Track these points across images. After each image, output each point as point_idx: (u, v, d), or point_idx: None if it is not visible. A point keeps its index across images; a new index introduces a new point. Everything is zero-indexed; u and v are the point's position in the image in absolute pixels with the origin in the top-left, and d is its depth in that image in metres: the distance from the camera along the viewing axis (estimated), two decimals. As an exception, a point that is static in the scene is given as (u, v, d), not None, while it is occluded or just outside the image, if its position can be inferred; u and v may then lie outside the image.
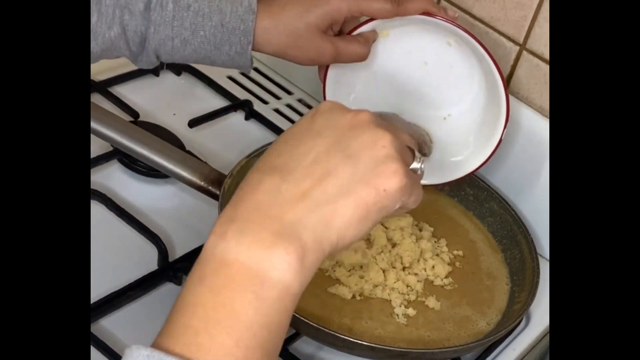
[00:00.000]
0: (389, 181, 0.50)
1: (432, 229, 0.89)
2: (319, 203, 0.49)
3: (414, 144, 0.57)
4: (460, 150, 0.88)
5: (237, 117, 1.04)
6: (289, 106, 1.08)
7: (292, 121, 1.05)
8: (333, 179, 0.50)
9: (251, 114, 1.03)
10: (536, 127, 0.89)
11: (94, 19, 0.73)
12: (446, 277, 0.84)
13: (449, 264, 0.86)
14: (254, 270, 0.47)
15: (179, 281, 0.80)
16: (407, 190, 0.52)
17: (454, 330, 0.79)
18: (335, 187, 0.50)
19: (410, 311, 0.80)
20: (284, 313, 0.49)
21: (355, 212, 0.50)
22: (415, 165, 0.55)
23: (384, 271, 0.82)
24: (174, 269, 0.80)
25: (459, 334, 0.79)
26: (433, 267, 0.84)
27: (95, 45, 0.74)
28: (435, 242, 0.88)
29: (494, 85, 0.82)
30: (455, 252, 0.88)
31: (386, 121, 0.69)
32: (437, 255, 0.86)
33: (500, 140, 0.84)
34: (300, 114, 1.06)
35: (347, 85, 0.88)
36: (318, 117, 0.54)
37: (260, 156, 0.54)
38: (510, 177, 0.93)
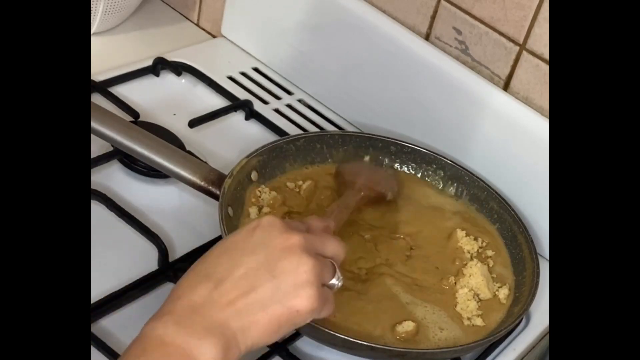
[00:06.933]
0: (302, 303, 0.60)
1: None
2: (241, 312, 0.59)
3: (339, 258, 0.66)
4: None
5: (237, 117, 1.04)
6: (289, 106, 1.07)
7: (292, 121, 1.05)
8: (256, 294, 0.60)
9: (251, 114, 1.03)
10: (536, 127, 0.89)
11: None
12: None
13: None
14: (187, 352, 0.57)
15: (179, 281, 0.80)
16: (318, 310, 0.62)
17: (458, 330, 0.79)
18: (257, 302, 0.60)
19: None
20: None
21: (268, 326, 0.60)
22: (333, 281, 0.65)
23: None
24: (174, 269, 0.80)
25: (463, 334, 0.79)
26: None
27: None
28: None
29: None
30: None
31: (355, 168, 0.90)
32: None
33: None
34: (300, 114, 1.06)
35: None
36: (258, 231, 0.63)
37: (201, 256, 0.64)
38: (510, 177, 0.93)
